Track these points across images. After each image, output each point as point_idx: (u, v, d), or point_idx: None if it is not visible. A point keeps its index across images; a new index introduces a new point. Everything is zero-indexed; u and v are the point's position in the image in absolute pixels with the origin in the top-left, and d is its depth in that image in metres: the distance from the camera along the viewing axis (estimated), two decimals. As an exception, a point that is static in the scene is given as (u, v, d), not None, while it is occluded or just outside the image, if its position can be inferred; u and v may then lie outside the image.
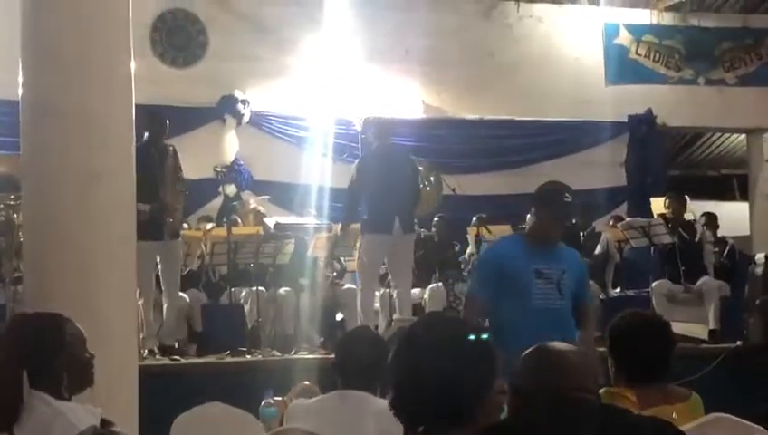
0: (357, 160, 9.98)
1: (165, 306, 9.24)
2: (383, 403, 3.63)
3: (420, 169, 10.45)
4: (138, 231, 5.90)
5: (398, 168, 9.44)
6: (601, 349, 4.19)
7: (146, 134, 8.98)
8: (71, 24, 5.50)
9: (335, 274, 10.78)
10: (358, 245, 9.82)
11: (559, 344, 2.91)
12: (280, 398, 4.94)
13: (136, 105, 5.75)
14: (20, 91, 5.58)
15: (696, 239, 10.73)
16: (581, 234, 11.13)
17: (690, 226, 10.93)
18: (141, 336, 8.48)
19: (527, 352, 2.89)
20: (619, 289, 11.26)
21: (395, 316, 9.53)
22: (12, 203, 8.65)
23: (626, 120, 15.41)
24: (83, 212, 5.42)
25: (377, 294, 10.21)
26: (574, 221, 11.41)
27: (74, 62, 5.49)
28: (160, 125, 9.24)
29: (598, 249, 11.22)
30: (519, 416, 2.69)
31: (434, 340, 2.78)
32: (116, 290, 5.51)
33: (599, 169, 15.01)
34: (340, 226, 9.94)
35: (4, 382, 3.67)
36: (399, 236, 9.24)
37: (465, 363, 2.72)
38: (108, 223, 5.49)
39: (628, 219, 11.91)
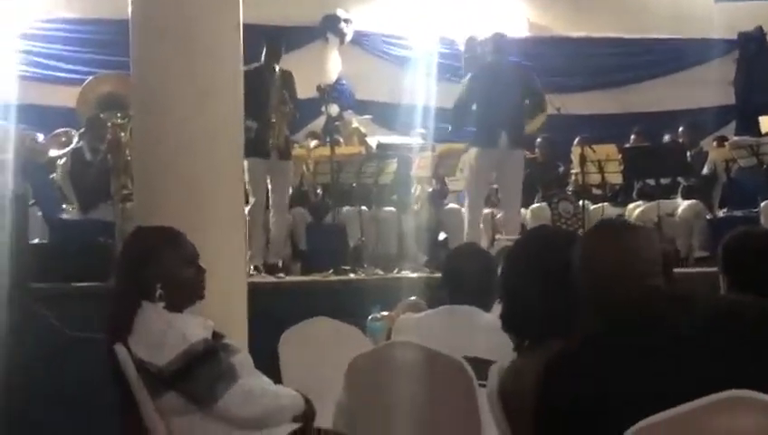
0: (469, 75, 9.90)
1: (272, 224, 9.33)
2: (492, 318, 3.64)
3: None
4: (245, 148, 5.96)
5: (510, 83, 9.36)
6: (711, 269, 4.12)
7: (262, 57, 9.08)
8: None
9: (437, 193, 10.75)
10: (460, 164, 9.80)
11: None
12: (387, 313, 4.97)
13: (243, 25, 5.77)
14: (129, 10, 5.64)
15: (808, 158, 10.46)
16: (688, 153, 10.92)
17: (803, 144, 10.65)
18: (249, 254, 8.57)
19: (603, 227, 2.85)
20: (726, 209, 11.05)
21: (498, 236, 9.50)
22: (119, 122, 8.74)
23: (735, 37, 15.04)
24: (192, 131, 5.47)
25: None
26: (680, 140, 11.23)
27: (182, -20, 5.53)
28: (276, 51, 9.29)
29: (705, 169, 11.03)
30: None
31: (543, 255, 2.79)
32: (224, 207, 5.57)
33: (706, 88, 14.66)
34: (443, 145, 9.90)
35: (118, 294, 3.78)
36: (507, 150, 9.19)
37: (573, 277, 2.71)
38: (216, 142, 5.54)
39: (736, 138, 11.64)
